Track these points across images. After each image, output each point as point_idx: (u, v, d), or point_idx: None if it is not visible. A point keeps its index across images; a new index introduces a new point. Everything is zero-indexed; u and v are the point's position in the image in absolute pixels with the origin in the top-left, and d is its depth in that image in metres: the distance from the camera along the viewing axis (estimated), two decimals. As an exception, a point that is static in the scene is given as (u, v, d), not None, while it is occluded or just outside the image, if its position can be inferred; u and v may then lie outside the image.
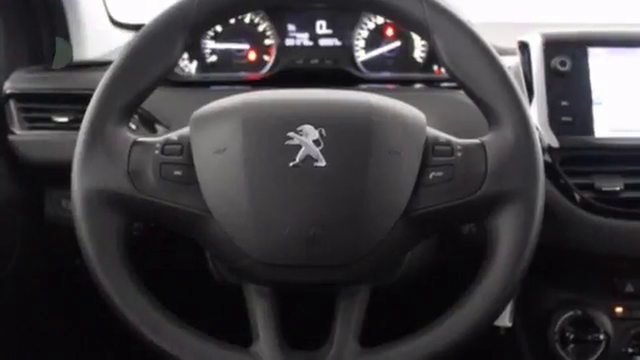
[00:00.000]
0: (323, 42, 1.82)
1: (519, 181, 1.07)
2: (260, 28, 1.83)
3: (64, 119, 1.61)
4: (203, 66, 1.84)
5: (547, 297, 1.69)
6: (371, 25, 1.83)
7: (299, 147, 1.05)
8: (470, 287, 1.08)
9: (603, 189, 1.44)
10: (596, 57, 1.51)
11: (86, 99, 1.11)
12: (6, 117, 1.64)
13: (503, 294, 1.06)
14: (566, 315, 1.64)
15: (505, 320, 1.61)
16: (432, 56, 1.82)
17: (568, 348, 1.63)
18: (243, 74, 1.82)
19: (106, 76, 1.11)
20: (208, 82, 1.76)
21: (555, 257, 1.49)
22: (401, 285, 1.36)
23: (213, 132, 1.09)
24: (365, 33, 1.83)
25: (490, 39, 1.12)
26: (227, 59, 1.84)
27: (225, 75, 1.82)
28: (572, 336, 1.63)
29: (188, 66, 1.83)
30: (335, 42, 1.82)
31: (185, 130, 1.13)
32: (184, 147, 1.10)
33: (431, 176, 1.08)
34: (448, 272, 1.64)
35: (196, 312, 1.34)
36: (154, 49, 1.12)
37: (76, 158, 1.08)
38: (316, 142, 1.05)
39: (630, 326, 1.64)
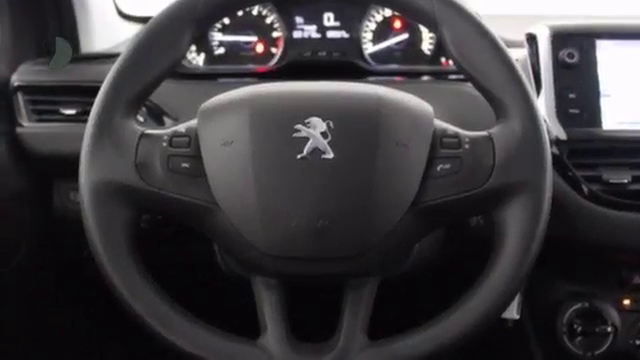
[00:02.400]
0: (331, 34, 1.82)
1: (527, 173, 1.06)
2: (268, 20, 1.83)
3: (72, 111, 1.61)
4: (211, 58, 1.84)
5: (555, 289, 1.69)
6: (379, 17, 1.83)
7: (307, 139, 1.05)
8: (477, 279, 1.08)
9: (611, 181, 1.44)
10: (604, 49, 1.51)
11: (94, 91, 1.11)
12: (14, 109, 1.64)
13: (510, 287, 1.06)
14: (574, 307, 1.64)
15: (513, 312, 1.61)
16: (440, 48, 1.82)
17: (576, 340, 1.64)
18: (251, 66, 1.82)
19: (114, 68, 1.11)
20: (216, 74, 1.77)
21: (563, 249, 1.48)
22: (409, 277, 1.36)
23: (221, 124, 1.09)
24: (373, 25, 1.83)
25: (498, 31, 1.11)
26: (235, 51, 1.84)
27: (233, 67, 1.82)
28: (580, 328, 1.63)
29: (196, 58, 1.83)
30: (343, 34, 1.82)
31: (193, 122, 1.13)
32: (192, 139, 1.10)
33: (439, 168, 1.08)
34: (455, 264, 1.63)
35: (204, 304, 1.34)
36: (161, 41, 1.11)
37: (84, 150, 1.08)
38: (324, 134, 1.05)
39: (638, 318, 1.64)
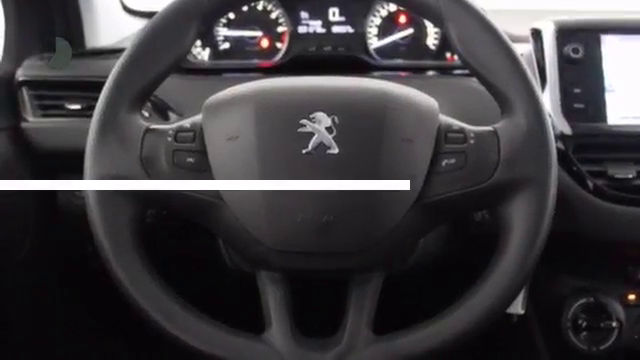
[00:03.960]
0: (336, 29, 1.82)
1: (532, 168, 1.06)
2: (273, 15, 1.83)
3: (77, 106, 1.61)
4: (216, 53, 1.84)
5: (560, 284, 1.69)
6: (384, 12, 1.83)
7: (312, 134, 1.04)
8: (482, 275, 1.08)
9: (616, 176, 1.44)
10: (609, 44, 1.50)
11: (99, 86, 1.11)
12: (19, 104, 1.64)
13: (515, 282, 1.06)
14: (579, 302, 1.64)
15: (518, 307, 1.61)
16: (445, 43, 1.82)
17: (581, 335, 1.64)
18: (256, 61, 1.82)
19: (119, 63, 1.10)
20: (221, 69, 1.76)
21: (568, 244, 1.49)
22: (413, 273, 1.37)
23: (226, 119, 1.09)
24: (378, 20, 1.83)
25: (503, 26, 1.11)
26: (240, 46, 1.84)
27: (238, 62, 1.82)
28: (585, 323, 1.63)
29: (201, 53, 1.83)
30: (348, 29, 1.82)
31: (198, 117, 1.13)
32: (197, 134, 1.10)
33: (444, 163, 1.07)
34: (460, 260, 1.63)
35: (209, 299, 1.34)
36: (166, 36, 1.11)
37: (89, 145, 1.08)
38: (329, 129, 1.05)
39: (642, 313, 1.65)
